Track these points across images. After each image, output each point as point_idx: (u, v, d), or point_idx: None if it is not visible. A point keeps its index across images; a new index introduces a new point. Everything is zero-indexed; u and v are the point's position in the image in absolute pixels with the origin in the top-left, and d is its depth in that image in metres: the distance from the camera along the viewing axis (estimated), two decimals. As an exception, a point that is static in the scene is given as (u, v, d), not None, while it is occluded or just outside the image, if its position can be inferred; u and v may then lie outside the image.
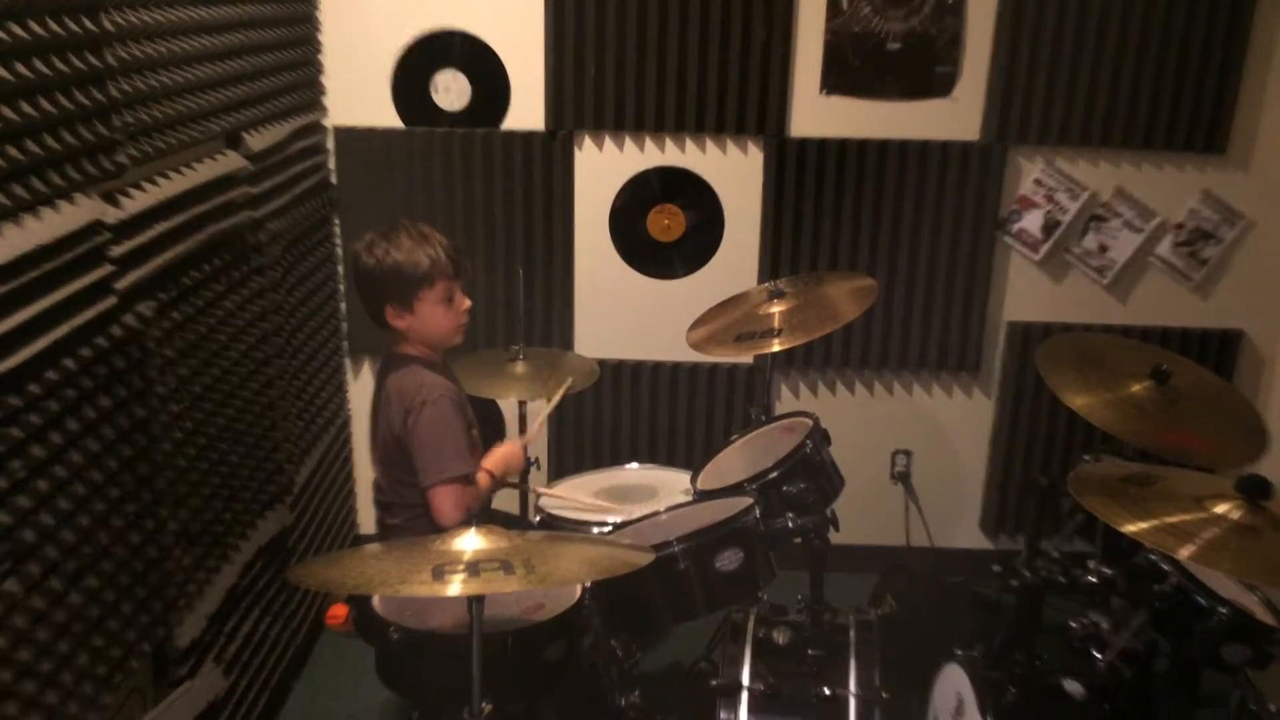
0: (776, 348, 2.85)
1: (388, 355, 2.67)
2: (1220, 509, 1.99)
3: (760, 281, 3.66)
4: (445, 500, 2.49)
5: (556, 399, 3.03)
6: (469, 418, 2.68)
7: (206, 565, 2.59)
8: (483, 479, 2.64)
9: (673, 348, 3.72)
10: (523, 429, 3.28)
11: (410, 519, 2.61)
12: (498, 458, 2.72)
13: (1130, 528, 1.97)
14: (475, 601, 1.84)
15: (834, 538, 2.62)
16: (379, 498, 2.70)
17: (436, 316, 2.59)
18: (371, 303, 2.61)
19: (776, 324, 2.92)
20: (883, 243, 3.70)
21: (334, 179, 3.66)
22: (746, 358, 3.79)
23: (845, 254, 3.70)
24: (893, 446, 3.96)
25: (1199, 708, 2.64)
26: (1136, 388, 2.64)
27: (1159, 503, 2.05)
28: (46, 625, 1.89)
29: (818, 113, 3.61)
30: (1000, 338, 3.84)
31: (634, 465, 3.27)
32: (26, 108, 1.79)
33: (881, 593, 3.47)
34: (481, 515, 1.98)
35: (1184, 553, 1.90)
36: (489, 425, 3.75)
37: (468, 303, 2.66)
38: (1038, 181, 3.67)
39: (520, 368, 3.20)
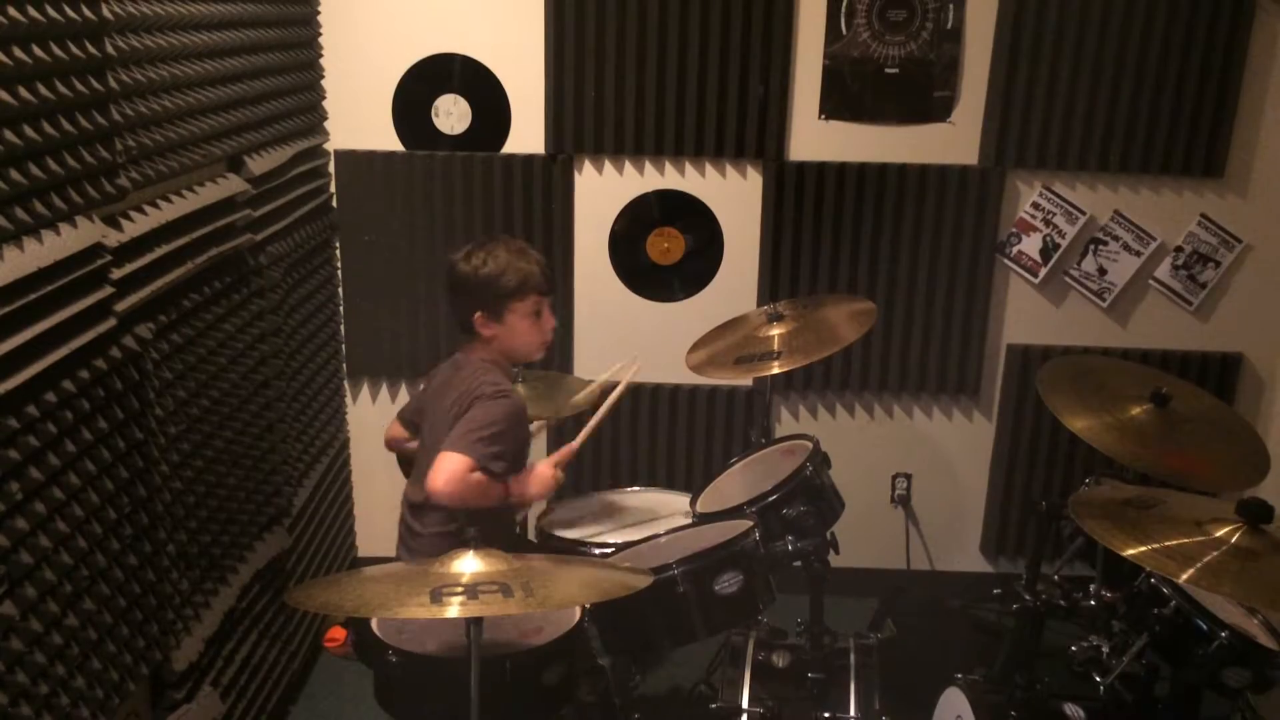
0: (776, 370, 2.85)
1: (457, 360, 2.71)
2: (1221, 532, 1.99)
3: (759, 304, 3.66)
4: (451, 465, 2.44)
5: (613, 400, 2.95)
6: (526, 436, 2.71)
7: (204, 588, 2.58)
8: (505, 489, 2.61)
9: (672, 370, 3.71)
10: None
11: (440, 519, 2.60)
12: (529, 479, 2.69)
13: (1130, 551, 1.97)
14: (473, 624, 1.83)
15: (834, 561, 2.62)
16: (413, 500, 2.68)
17: (523, 329, 2.66)
18: (461, 309, 2.66)
19: (776, 346, 2.93)
20: (882, 266, 3.70)
21: (335, 202, 3.67)
22: (746, 380, 3.80)
23: (844, 277, 3.71)
24: (893, 469, 3.95)
25: (1200, 732, 2.63)
26: (1137, 411, 2.64)
27: (1159, 526, 2.04)
28: (43, 648, 1.88)
29: (817, 137, 3.62)
30: (1000, 361, 3.84)
31: (634, 488, 3.27)
32: (29, 131, 1.80)
33: (882, 616, 3.46)
34: (480, 538, 1.98)
35: (1184, 576, 1.89)
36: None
37: (553, 321, 2.73)
38: (1036, 205, 3.68)
39: (519, 389, 3.20)
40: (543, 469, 2.71)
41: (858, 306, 3.06)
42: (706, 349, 3.12)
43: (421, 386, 2.87)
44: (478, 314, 2.63)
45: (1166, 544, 1.97)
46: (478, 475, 2.49)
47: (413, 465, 2.79)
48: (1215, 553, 1.94)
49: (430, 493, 2.47)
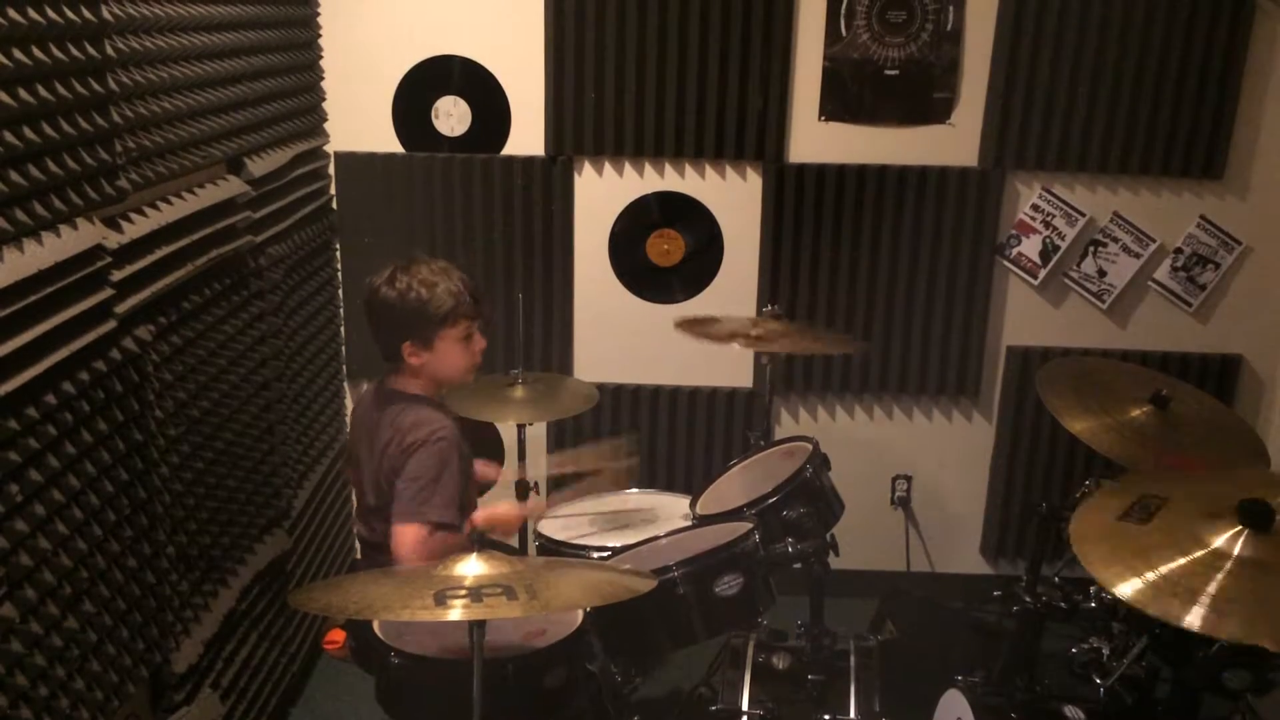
0: (771, 347, 2.91)
1: (384, 391, 2.58)
2: (1221, 541, 1.92)
3: (759, 306, 3.67)
4: (410, 538, 2.37)
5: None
6: (467, 457, 2.61)
7: (204, 590, 2.58)
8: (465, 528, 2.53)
9: (672, 372, 3.73)
10: (521, 456, 3.27)
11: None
12: (492, 515, 2.65)
13: (1129, 591, 1.86)
14: (476, 626, 1.83)
15: (834, 563, 2.62)
16: (370, 538, 2.59)
17: (454, 355, 2.52)
18: (387, 337, 2.51)
19: (776, 335, 2.96)
20: (882, 268, 3.70)
21: (335, 204, 3.67)
22: (744, 379, 3.80)
23: (844, 279, 3.71)
24: (893, 471, 3.95)
25: (1201, 734, 2.63)
26: (1136, 412, 2.64)
27: (1158, 545, 1.97)
28: (43, 650, 1.88)
29: (817, 138, 3.62)
30: (1000, 362, 3.84)
31: (633, 490, 3.26)
32: (29, 133, 1.80)
33: (882, 618, 3.46)
34: (482, 542, 1.97)
35: (1188, 619, 1.78)
36: (489, 449, 3.74)
37: (483, 342, 2.59)
38: (1035, 207, 3.68)
39: (519, 392, 3.20)
40: (510, 513, 2.70)
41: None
42: (714, 331, 3.19)
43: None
44: (406, 343, 2.49)
45: (1165, 571, 1.86)
46: (438, 536, 2.40)
47: None
48: (1219, 575, 1.83)
49: (399, 565, 2.38)
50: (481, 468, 2.90)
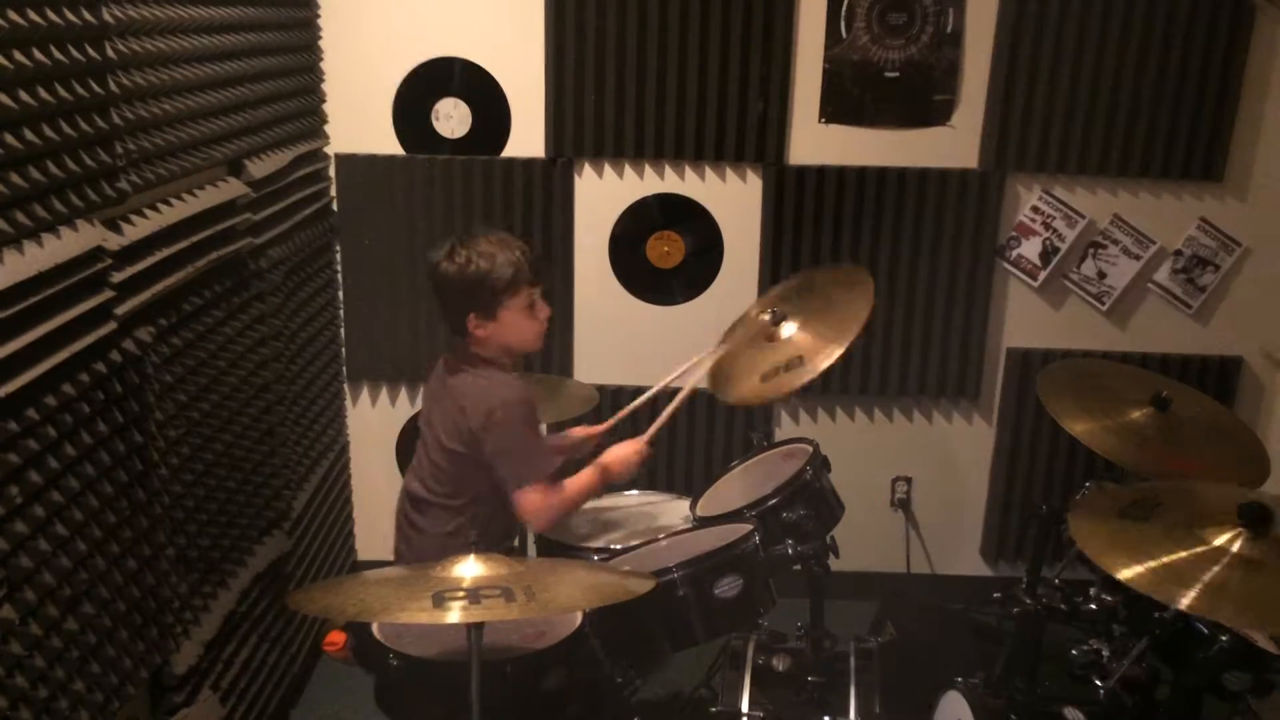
0: (818, 371, 2.64)
1: (451, 362, 2.64)
2: (1220, 540, 1.94)
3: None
4: (534, 500, 2.49)
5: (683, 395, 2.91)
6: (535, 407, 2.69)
7: (204, 591, 2.58)
8: (592, 476, 2.62)
9: (672, 374, 3.71)
10: None
11: (443, 518, 2.60)
12: (615, 456, 2.71)
13: (1126, 574, 1.92)
14: (474, 629, 1.83)
15: (834, 564, 2.61)
16: (415, 494, 2.66)
17: (520, 324, 2.59)
18: (453, 311, 2.58)
19: (801, 349, 2.81)
20: (882, 270, 3.70)
21: (335, 205, 3.67)
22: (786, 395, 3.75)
23: (844, 280, 3.71)
24: (893, 473, 3.95)
25: (1201, 736, 2.63)
26: (1137, 414, 2.64)
27: (1157, 537, 1.99)
28: (43, 652, 1.88)
29: (817, 140, 3.62)
30: (1000, 364, 3.84)
31: (633, 492, 3.26)
32: (30, 134, 1.80)
33: (882, 620, 3.46)
34: (480, 543, 1.98)
35: (1184, 602, 1.83)
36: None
37: (548, 310, 2.65)
38: (1035, 209, 3.68)
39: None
40: (630, 449, 2.73)
41: (847, 274, 2.94)
42: (730, 377, 2.95)
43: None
44: (470, 315, 2.56)
45: (1165, 561, 1.92)
46: (556, 487, 2.51)
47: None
48: (1216, 567, 1.88)
49: (540, 532, 2.51)
50: (580, 433, 3.01)
